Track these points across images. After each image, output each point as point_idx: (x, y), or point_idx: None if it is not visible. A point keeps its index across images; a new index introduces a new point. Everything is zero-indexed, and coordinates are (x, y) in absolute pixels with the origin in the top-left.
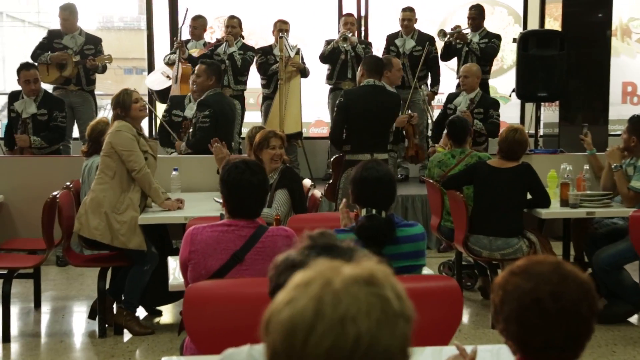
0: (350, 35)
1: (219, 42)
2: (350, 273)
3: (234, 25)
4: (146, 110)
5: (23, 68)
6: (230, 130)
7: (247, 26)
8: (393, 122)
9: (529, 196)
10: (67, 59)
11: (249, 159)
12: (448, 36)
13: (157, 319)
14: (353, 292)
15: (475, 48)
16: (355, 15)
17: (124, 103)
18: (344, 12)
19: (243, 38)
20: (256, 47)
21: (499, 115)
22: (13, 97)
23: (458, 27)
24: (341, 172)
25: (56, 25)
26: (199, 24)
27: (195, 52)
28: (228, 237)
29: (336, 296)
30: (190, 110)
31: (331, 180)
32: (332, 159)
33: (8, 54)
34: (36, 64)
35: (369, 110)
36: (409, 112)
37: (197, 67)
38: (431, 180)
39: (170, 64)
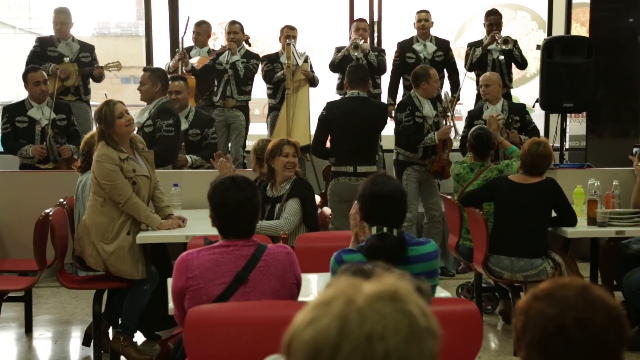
0: (362, 42)
1: (222, 50)
2: (372, 290)
3: (235, 31)
4: (132, 125)
5: (30, 71)
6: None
7: (253, 32)
8: (378, 134)
9: (553, 214)
10: (71, 70)
11: (237, 175)
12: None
13: (156, 346)
14: (378, 309)
15: (514, 53)
16: (368, 21)
17: (107, 118)
18: (355, 17)
19: (249, 45)
20: (262, 55)
21: (532, 124)
22: (13, 109)
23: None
24: (328, 177)
25: (48, 32)
26: (202, 30)
27: (197, 60)
28: (228, 258)
29: (361, 314)
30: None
31: (323, 190)
32: (323, 169)
33: None
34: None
35: (352, 122)
36: (450, 123)
37: (141, 75)
38: (449, 197)
39: (170, 72)
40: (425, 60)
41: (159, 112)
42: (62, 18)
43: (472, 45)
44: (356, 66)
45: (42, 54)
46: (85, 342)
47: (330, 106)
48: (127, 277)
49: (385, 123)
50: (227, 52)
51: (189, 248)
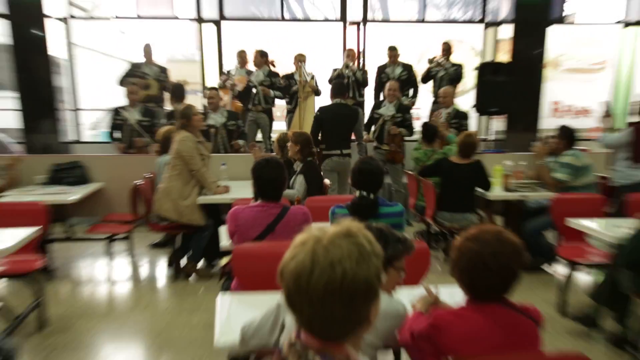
0: (351, 64)
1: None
2: (333, 231)
3: (259, 54)
4: (202, 121)
5: (125, 84)
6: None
7: (276, 57)
8: (352, 129)
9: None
10: (153, 84)
11: (271, 157)
12: (435, 63)
13: (212, 269)
14: (337, 244)
15: (450, 72)
16: (355, 50)
17: (188, 115)
18: (347, 48)
19: (274, 66)
20: (281, 74)
21: (467, 125)
22: (116, 111)
23: (436, 57)
24: (321, 161)
25: (138, 58)
26: (243, 56)
27: (238, 77)
28: (262, 215)
29: (325, 248)
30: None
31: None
32: (317, 151)
33: (96, 80)
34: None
35: (336, 120)
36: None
37: (210, 92)
38: (410, 173)
39: (220, 87)
40: (394, 79)
41: (231, 116)
42: (147, 50)
43: (431, 62)
44: (337, 84)
45: (132, 73)
46: (169, 265)
47: (322, 109)
48: (195, 224)
49: (357, 121)
50: (255, 72)
51: (233, 206)
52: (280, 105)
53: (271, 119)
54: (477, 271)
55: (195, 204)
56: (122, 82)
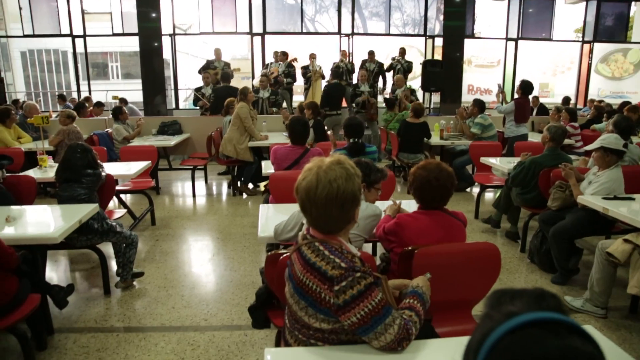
0: (344, 60)
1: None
2: (329, 160)
3: (282, 54)
4: (253, 97)
5: (203, 71)
6: None
7: (298, 55)
8: (342, 99)
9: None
10: (218, 72)
11: (300, 117)
12: (395, 60)
13: (256, 189)
14: (332, 168)
15: (404, 66)
16: (347, 51)
17: (245, 93)
18: (341, 49)
19: (297, 61)
20: (301, 66)
21: (417, 97)
22: (197, 88)
23: (397, 57)
24: (324, 118)
25: (208, 57)
26: (278, 54)
27: (274, 67)
28: (292, 153)
29: (325, 171)
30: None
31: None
32: (322, 112)
33: (187, 71)
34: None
35: (333, 92)
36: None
37: (259, 78)
38: (382, 127)
39: (263, 75)
40: (372, 72)
41: (273, 92)
42: (218, 51)
43: (393, 60)
44: (334, 72)
45: (207, 66)
46: (229, 186)
47: (327, 86)
48: (246, 159)
49: (345, 93)
50: (279, 64)
51: (272, 147)
52: (299, 85)
53: (291, 94)
54: (425, 188)
55: (247, 147)
56: (201, 72)
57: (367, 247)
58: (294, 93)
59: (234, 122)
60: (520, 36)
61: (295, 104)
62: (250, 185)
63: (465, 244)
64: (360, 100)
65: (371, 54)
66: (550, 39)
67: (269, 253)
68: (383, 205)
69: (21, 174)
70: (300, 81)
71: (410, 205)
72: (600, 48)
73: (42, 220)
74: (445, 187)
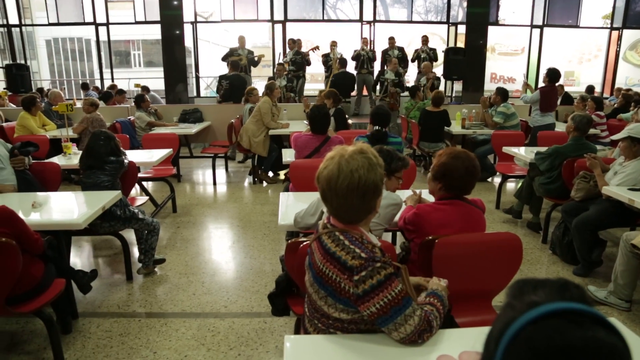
0: (365, 48)
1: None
2: (352, 149)
3: (291, 41)
4: (279, 93)
5: (227, 58)
6: None
7: (320, 43)
8: (351, 87)
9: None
10: (243, 59)
11: (321, 106)
12: (420, 51)
13: (277, 177)
14: (355, 158)
15: (430, 54)
16: (368, 39)
17: (271, 88)
18: (363, 37)
19: (319, 49)
20: (322, 53)
21: (439, 85)
22: (222, 76)
23: (419, 47)
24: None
25: (230, 44)
26: (295, 42)
27: (291, 55)
28: (313, 141)
29: (347, 161)
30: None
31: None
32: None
33: (209, 59)
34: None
35: (341, 81)
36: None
37: (278, 66)
38: (403, 116)
39: (282, 63)
40: (394, 57)
41: (289, 80)
42: (242, 39)
43: (416, 51)
44: (343, 60)
45: (231, 54)
46: (250, 174)
47: (335, 75)
48: (259, 154)
49: (353, 82)
50: (289, 51)
51: (291, 135)
52: (320, 73)
53: (304, 81)
54: (456, 175)
55: (261, 141)
56: (225, 59)
57: (387, 237)
58: (311, 81)
59: (255, 115)
60: (545, 23)
61: (308, 93)
62: (270, 174)
63: (486, 234)
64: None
65: (391, 39)
66: (577, 26)
67: (289, 241)
68: (404, 195)
69: (46, 161)
70: (317, 69)
71: (429, 196)
72: (630, 35)
73: (66, 207)
74: (473, 175)
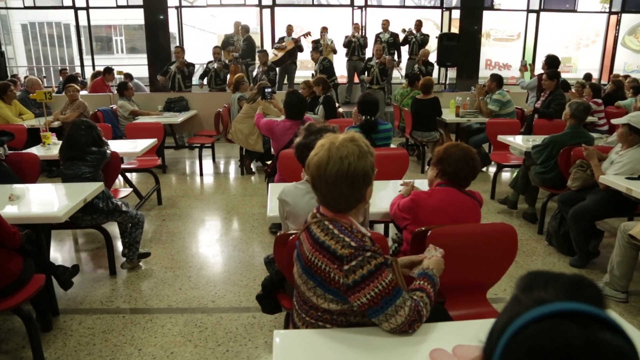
0: (357, 34)
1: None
2: (343, 137)
3: (290, 30)
4: (247, 88)
5: (221, 48)
6: None
7: (312, 29)
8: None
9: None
10: (238, 47)
11: (294, 90)
12: (408, 32)
13: (264, 167)
14: (345, 145)
15: (419, 39)
16: (360, 24)
17: (240, 82)
18: (354, 23)
19: (310, 35)
20: (312, 40)
21: (432, 71)
22: (209, 63)
23: (410, 29)
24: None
25: (215, 31)
26: (289, 28)
27: (287, 42)
28: (291, 128)
29: (337, 148)
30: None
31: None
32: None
33: (195, 45)
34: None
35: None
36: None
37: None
38: (395, 103)
39: (276, 48)
40: (386, 42)
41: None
42: (236, 25)
43: (404, 32)
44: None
45: (227, 41)
46: (239, 165)
47: (326, 62)
48: (257, 151)
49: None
50: (284, 37)
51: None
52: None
53: (295, 67)
54: (451, 160)
55: (258, 139)
56: (224, 48)
57: (379, 228)
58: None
59: (247, 114)
60: (542, 7)
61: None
62: (259, 164)
63: (480, 224)
64: (366, 78)
65: (385, 22)
66: (574, 10)
67: (278, 234)
68: (397, 185)
69: (24, 151)
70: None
71: (423, 184)
72: (629, 19)
73: (46, 199)
74: (472, 168)
